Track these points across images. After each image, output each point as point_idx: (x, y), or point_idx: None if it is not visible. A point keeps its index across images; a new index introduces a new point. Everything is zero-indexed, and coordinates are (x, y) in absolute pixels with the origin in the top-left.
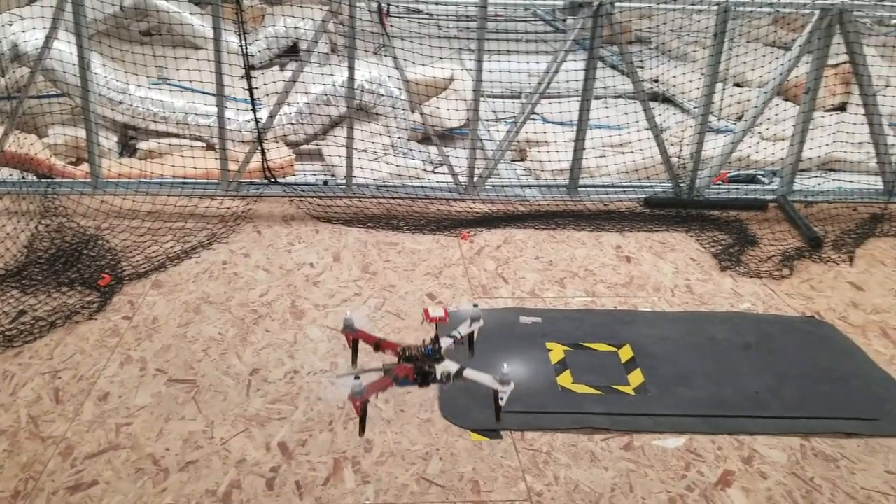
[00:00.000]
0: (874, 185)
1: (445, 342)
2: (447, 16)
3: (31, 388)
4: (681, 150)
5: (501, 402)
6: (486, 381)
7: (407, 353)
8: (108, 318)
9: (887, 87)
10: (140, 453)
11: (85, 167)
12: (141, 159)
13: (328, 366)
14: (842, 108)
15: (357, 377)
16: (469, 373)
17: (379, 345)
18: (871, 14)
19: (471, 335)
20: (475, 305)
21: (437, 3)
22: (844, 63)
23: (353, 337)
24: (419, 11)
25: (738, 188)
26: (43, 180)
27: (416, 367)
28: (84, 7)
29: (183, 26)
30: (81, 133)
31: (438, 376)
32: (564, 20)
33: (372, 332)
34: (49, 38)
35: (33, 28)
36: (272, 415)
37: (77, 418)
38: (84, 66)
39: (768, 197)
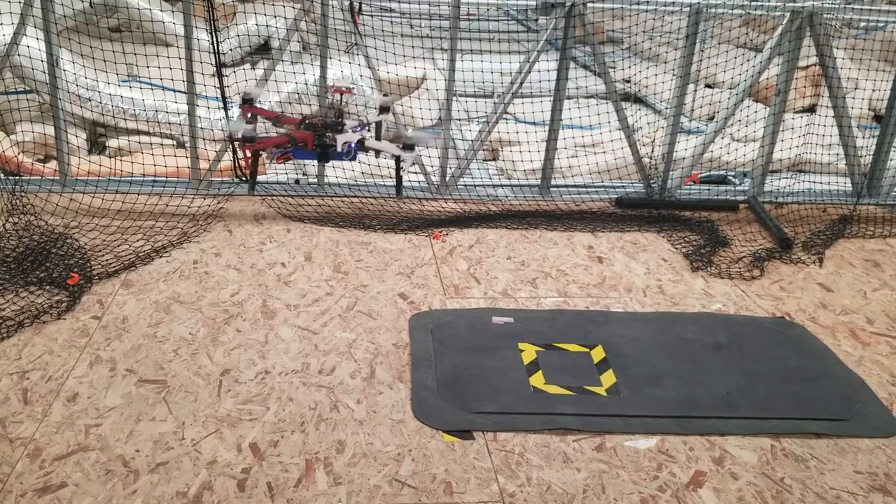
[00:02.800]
0: (843, 186)
1: (351, 122)
2: (419, 15)
3: None
4: (652, 151)
5: (403, 172)
6: (388, 148)
7: (307, 122)
8: (77, 318)
9: (856, 89)
10: (110, 455)
11: (53, 165)
12: (110, 157)
13: (300, 366)
14: (811, 109)
15: (250, 123)
16: (371, 142)
17: (279, 119)
18: (840, 16)
19: (378, 124)
20: (386, 95)
21: (409, 2)
22: (814, 65)
23: (251, 112)
24: (391, 10)
25: (709, 189)
26: (10, 178)
27: (316, 135)
28: (53, 3)
29: (153, 23)
30: (50, 130)
31: (339, 147)
32: (537, 20)
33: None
34: (17, 34)
35: (1, 24)
36: (243, 415)
37: (46, 419)
38: (52, 62)
39: (739, 198)
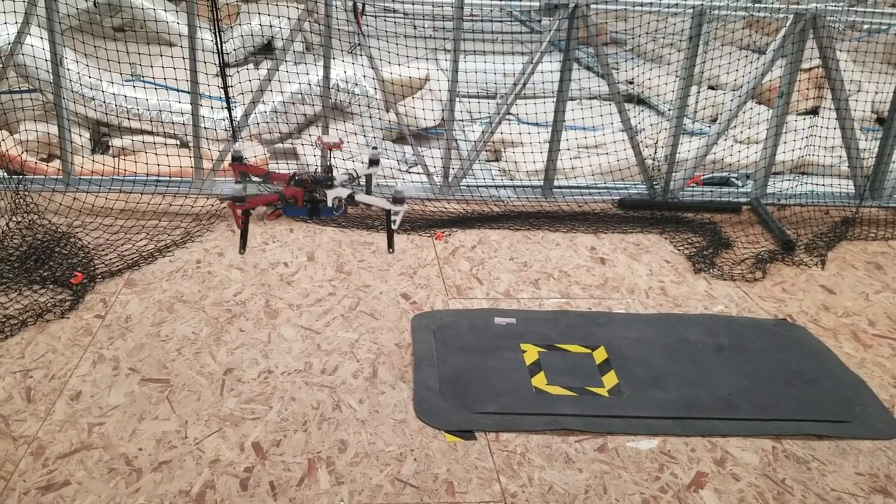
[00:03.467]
0: (846, 188)
1: (340, 176)
2: (423, 15)
3: (1, 387)
4: (655, 153)
5: (394, 224)
6: (379, 203)
7: (297, 178)
8: (81, 317)
9: (859, 91)
10: (113, 453)
11: (57, 164)
12: (114, 156)
13: (302, 366)
14: (814, 112)
15: (239, 182)
16: (361, 197)
17: (269, 176)
18: (843, 19)
19: (368, 177)
20: (374, 148)
21: (412, 3)
22: (817, 67)
23: (242, 170)
24: (395, 10)
25: (711, 191)
26: (14, 177)
27: (306, 191)
28: (57, 2)
29: (157, 23)
30: (53, 129)
31: (330, 203)
32: (540, 21)
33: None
34: (21, 33)
35: (5, 23)
36: (246, 415)
37: (49, 418)
38: (56, 61)
39: (742, 200)
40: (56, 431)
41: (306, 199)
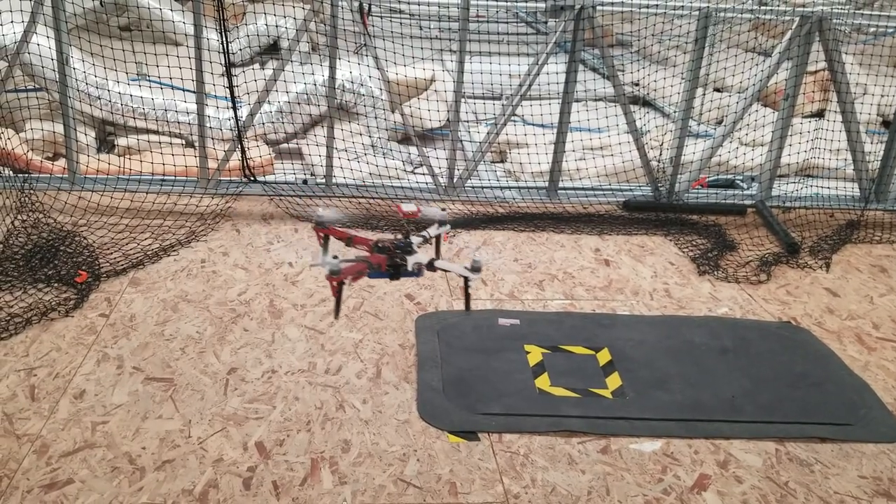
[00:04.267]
0: (851, 191)
1: (416, 239)
2: (429, 16)
3: (5, 386)
4: (660, 154)
5: (471, 290)
6: (456, 269)
7: (380, 245)
8: (85, 316)
9: (865, 94)
10: (116, 452)
11: (62, 163)
12: (119, 156)
13: (306, 365)
14: (820, 114)
15: (335, 257)
16: (440, 263)
17: (351, 240)
18: (849, 22)
19: (438, 237)
20: (443, 209)
21: (418, 4)
22: (823, 70)
23: (325, 233)
24: (401, 11)
25: (716, 193)
26: (19, 175)
27: (389, 257)
28: (63, 1)
29: (163, 22)
30: (59, 128)
31: (410, 267)
32: (546, 22)
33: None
34: (27, 32)
35: (11, 21)
36: (249, 414)
37: (53, 416)
38: (63, 60)
39: (747, 202)
40: (59, 430)
41: (388, 264)
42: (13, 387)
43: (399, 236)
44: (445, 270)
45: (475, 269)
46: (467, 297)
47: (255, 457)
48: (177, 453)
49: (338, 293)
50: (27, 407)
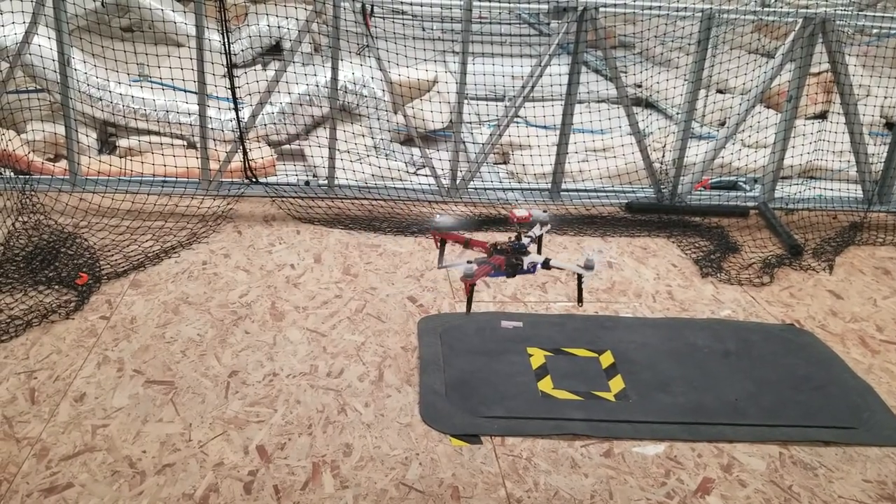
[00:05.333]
0: (854, 193)
1: (525, 240)
2: (431, 17)
3: (5, 388)
4: (663, 156)
5: (584, 287)
6: (571, 268)
7: (498, 248)
8: (86, 318)
9: (868, 95)
10: (116, 455)
11: (63, 164)
12: (120, 157)
13: (308, 368)
14: (823, 116)
15: (470, 261)
16: (555, 262)
17: (468, 243)
18: (852, 23)
19: (540, 237)
20: (545, 211)
21: (421, 5)
22: (826, 71)
23: (442, 238)
24: (403, 12)
25: (719, 195)
26: (21, 177)
27: (507, 258)
28: (64, 2)
29: (165, 23)
30: (60, 129)
31: (525, 267)
32: (549, 24)
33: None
34: (29, 33)
35: (12, 23)
36: (251, 418)
37: (53, 419)
38: (64, 61)
39: (749, 204)
40: (60, 433)
41: (507, 265)
42: (13, 390)
43: (513, 238)
44: (560, 269)
45: (588, 266)
46: (580, 292)
47: (256, 461)
48: (177, 457)
49: (469, 293)
50: (27, 410)
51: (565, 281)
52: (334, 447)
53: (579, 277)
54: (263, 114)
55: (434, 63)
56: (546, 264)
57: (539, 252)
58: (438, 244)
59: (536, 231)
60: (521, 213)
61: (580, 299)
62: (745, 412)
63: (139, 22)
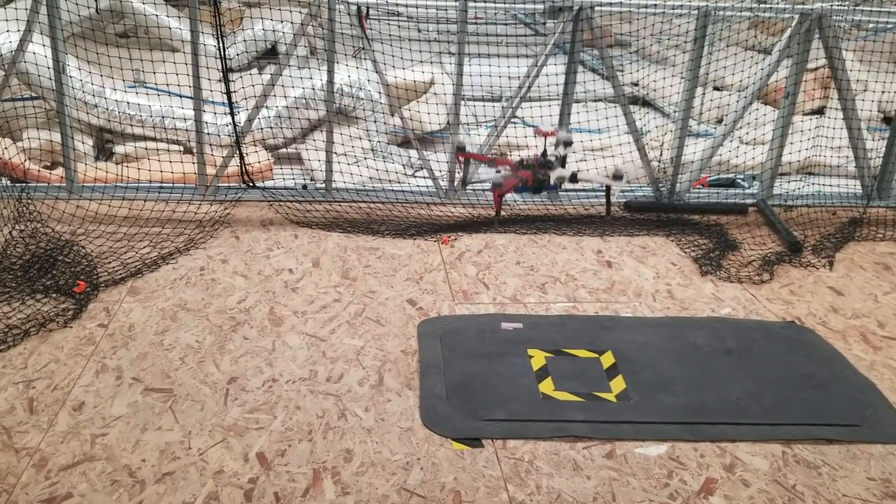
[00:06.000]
0: (853, 189)
1: (551, 156)
2: (427, 19)
3: (3, 398)
4: (661, 155)
5: (614, 197)
6: (599, 178)
7: (525, 162)
8: (84, 326)
9: (865, 91)
10: (116, 465)
11: (60, 171)
12: (117, 163)
13: (307, 374)
14: (820, 112)
15: (498, 171)
16: (583, 174)
17: (493, 162)
18: (849, 18)
19: (564, 157)
20: (569, 131)
21: (416, 7)
22: (823, 67)
23: (466, 157)
24: (398, 14)
25: (718, 192)
26: (17, 185)
27: (534, 173)
28: (59, 9)
29: (160, 29)
30: (56, 137)
31: (552, 182)
32: (545, 23)
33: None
34: (23, 41)
35: (7, 30)
36: (250, 424)
37: (51, 429)
38: (59, 68)
39: (748, 201)
40: (59, 443)
41: (533, 180)
42: (11, 399)
43: (538, 154)
44: (589, 181)
45: (617, 176)
46: (608, 203)
47: (256, 468)
48: (177, 465)
49: (499, 204)
50: (26, 420)
51: (565, 282)
52: (335, 453)
53: (607, 188)
54: (260, 118)
55: (430, 64)
56: (574, 177)
57: (563, 165)
58: (461, 164)
59: (561, 150)
60: (546, 129)
61: (608, 210)
62: (747, 411)
63: (134, 28)
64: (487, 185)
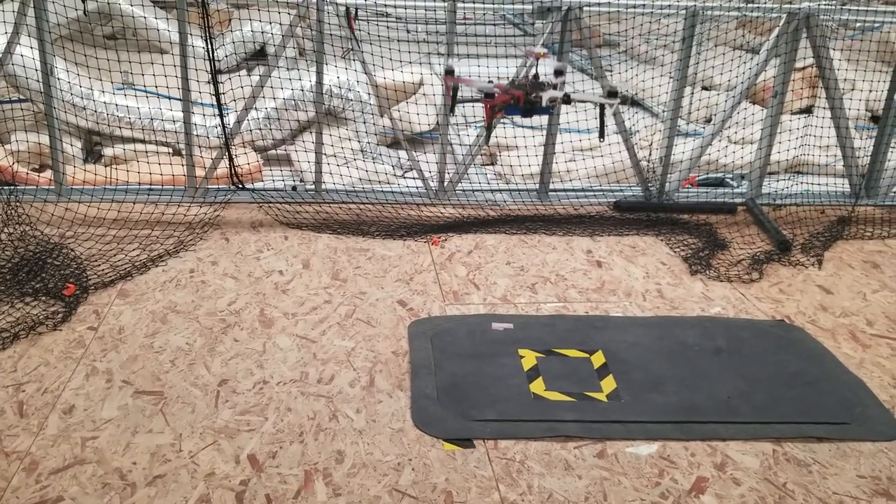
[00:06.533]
0: (841, 187)
1: (543, 77)
2: (416, 19)
3: None
4: (650, 154)
5: (606, 118)
6: (593, 98)
7: (516, 83)
8: (73, 329)
9: (853, 90)
10: (106, 468)
11: (49, 174)
12: (106, 165)
13: (298, 375)
14: (808, 111)
15: (490, 81)
16: (577, 94)
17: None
18: (836, 17)
19: (556, 86)
20: (560, 61)
21: (405, 7)
22: (811, 66)
23: (455, 82)
24: (387, 15)
25: (707, 192)
26: (5, 187)
27: (526, 93)
28: (47, 11)
29: (148, 31)
30: (45, 139)
31: (545, 103)
32: (533, 24)
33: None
34: (11, 43)
35: None
36: (241, 426)
37: (42, 432)
38: (47, 71)
39: (737, 200)
40: (49, 446)
41: (525, 101)
42: (1, 403)
43: (530, 76)
44: (583, 101)
45: (612, 93)
46: (602, 124)
47: (247, 470)
48: (168, 468)
49: (490, 118)
50: (16, 423)
51: (555, 282)
52: (326, 454)
53: (601, 108)
54: (249, 119)
55: (419, 65)
56: (567, 98)
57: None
58: (450, 91)
59: (552, 80)
60: (538, 49)
61: (602, 133)
62: (738, 410)
63: (122, 30)
64: (479, 96)
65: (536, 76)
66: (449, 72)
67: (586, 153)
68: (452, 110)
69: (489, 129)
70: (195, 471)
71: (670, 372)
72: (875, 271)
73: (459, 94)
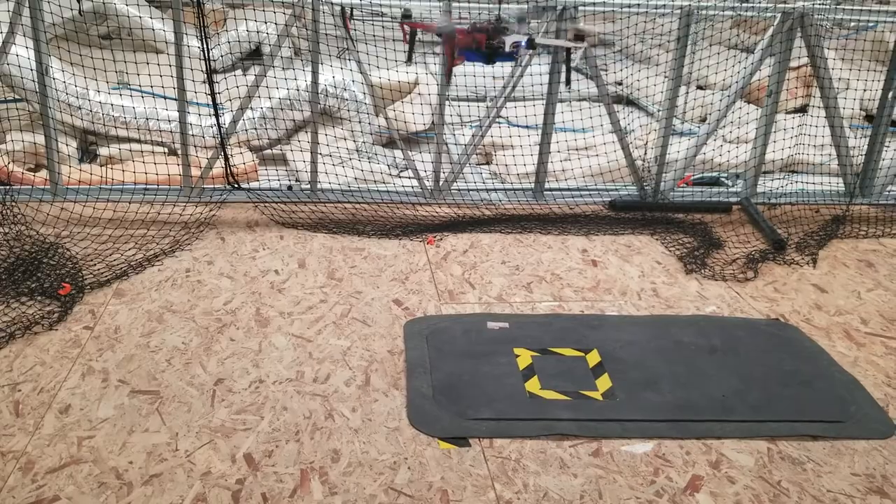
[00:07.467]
0: (836, 186)
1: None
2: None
3: None
4: (645, 153)
5: (572, 63)
6: (559, 43)
7: (477, 26)
8: (69, 329)
9: (847, 89)
10: (103, 467)
11: (44, 174)
12: (101, 165)
13: (294, 374)
14: (803, 110)
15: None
16: (541, 39)
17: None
18: (831, 17)
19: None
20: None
21: (401, 7)
22: (805, 65)
23: (412, 27)
24: (383, 15)
25: (702, 191)
26: (1, 187)
27: (488, 37)
28: (42, 11)
29: (143, 30)
30: (40, 139)
31: (508, 48)
32: (529, 23)
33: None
34: (6, 43)
35: None
36: (237, 425)
37: (38, 432)
38: (42, 70)
39: (732, 199)
40: (45, 446)
41: (486, 45)
42: None
43: (492, 20)
44: (547, 45)
45: (578, 37)
46: (568, 70)
47: (243, 469)
48: (164, 467)
49: (451, 57)
50: (12, 423)
51: (550, 281)
52: (322, 453)
53: (567, 53)
54: (244, 119)
55: (415, 65)
56: (531, 43)
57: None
58: (406, 36)
59: (516, 27)
60: None
61: (568, 80)
62: (733, 408)
63: (117, 29)
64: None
65: (499, 18)
66: (406, 16)
67: (581, 152)
68: (410, 58)
69: (450, 72)
70: (191, 470)
71: (665, 371)
72: (869, 270)
73: (418, 37)
